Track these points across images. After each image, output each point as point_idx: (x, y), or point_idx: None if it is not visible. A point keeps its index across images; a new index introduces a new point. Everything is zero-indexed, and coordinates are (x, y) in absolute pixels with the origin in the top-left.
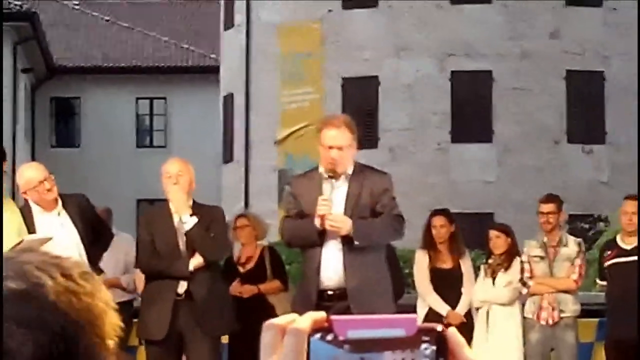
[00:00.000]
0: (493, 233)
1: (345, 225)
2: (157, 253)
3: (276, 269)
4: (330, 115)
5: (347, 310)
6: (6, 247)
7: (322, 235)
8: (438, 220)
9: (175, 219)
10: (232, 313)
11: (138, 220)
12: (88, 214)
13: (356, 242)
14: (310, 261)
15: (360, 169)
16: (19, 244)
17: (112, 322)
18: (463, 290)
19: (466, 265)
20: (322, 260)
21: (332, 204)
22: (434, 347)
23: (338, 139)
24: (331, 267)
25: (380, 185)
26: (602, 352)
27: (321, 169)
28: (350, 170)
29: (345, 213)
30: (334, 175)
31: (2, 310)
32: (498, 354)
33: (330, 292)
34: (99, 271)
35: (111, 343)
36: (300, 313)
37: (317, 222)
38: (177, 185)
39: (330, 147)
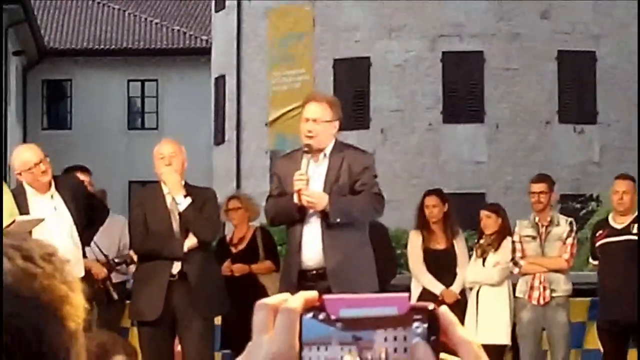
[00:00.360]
0: (484, 213)
1: (321, 200)
2: (150, 234)
3: (268, 250)
4: (315, 92)
5: (328, 290)
6: None
7: (302, 213)
8: (431, 200)
9: (168, 200)
10: (225, 294)
11: (130, 202)
12: (81, 194)
13: (332, 219)
14: (292, 240)
15: (341, 148)
16: (10, 225)
17: (76, 304)
18: (458, 270)
19: (460, 246)
20: (302, 239)
21: (310, 180)
22: (426, 325)
23: (316, 112)
24: (312, 246)
25: (360, 163)
26: (594, 331)
27: (303, 148)
28: (330, 149)
29: (325, 190)
30: (309, 149)
31: (2, 316)
32: (487, 334)
33: (312, 272)
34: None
35: (73, 325)
36: (285, 292)
37: (295, 198)
38: (171, 167)
39: (307, 120)
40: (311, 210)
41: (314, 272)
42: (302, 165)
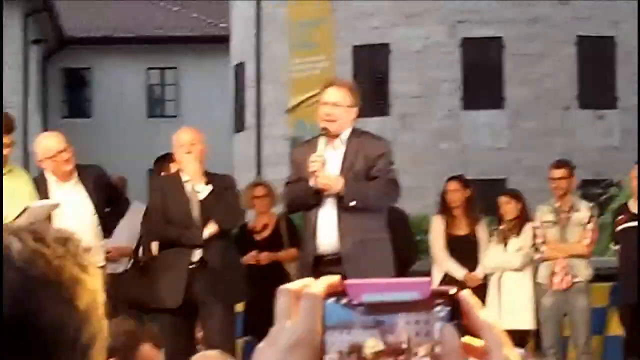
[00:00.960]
0: (503, 199)
1: (336, 183)
2: (169, 221)
3: (292, 237)
4: (335, 77)
5: (343, 276)
6: (12, 215)
7: (318, 198)
8: (452, 185)
9: (187, 188)
10: (245, 281)
11: (149, 189)
12: (103, 185)
13: (346, 201)
14: (308, 226)
15: (358, 134)
16: (23, 212)
17: (89, 287)
18: (480, 256)
19: (482, 232)
20: (318, 224)
21: (326, 164)
22: (448, 309)
23: (336, 96)
24: (327, 231)
25: (376, 150)
26: (616, 316)
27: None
28: (347, 135)
29: (341, 175)
30: (326, 132)
31: (2, 311)
32: (510, 319)
33: (328, 257)
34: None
35: (84, 306)
36: (302, 278)
37: (311, 181)
38: (191, 155)
39: (326, 103)
40: (327, 196)
41: (330, 257)
42: (319, 148)
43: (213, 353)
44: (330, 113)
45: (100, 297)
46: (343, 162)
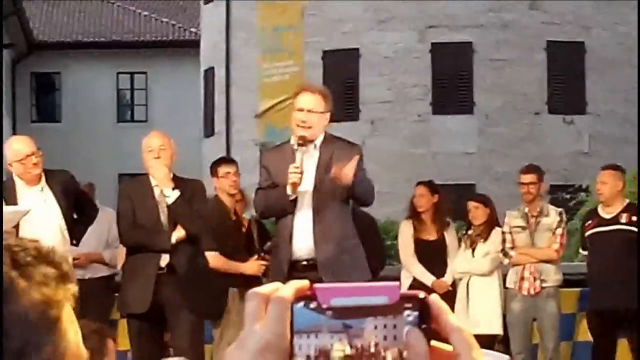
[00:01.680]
0: (472, 204)
1: (352, 171)
2: (138, 226)
3: (263, 242)
4: (307, 83)
5: (319, 281)
6: None
7: (294, 205)
8: (419, 190)
9: (156, 193)
10: (212, 286)
11: (118, 193)
12: (72, 190)
13: (356, 190)
14: (282, 232)
15: (330, 140)
16: None
17: (55, 292)
18: (449, 261)
19: (451, 237)
20: (293, 230)
21: (303, 172)
22: (417, 314)
23: (310, 102)
24: (303, 237)
25: (350, 155)
26: (584, 323)
27: (292, 141)
28: (320, 140)
29: (316, 181)
30: (303, 140)
31: (2, 304)
32: (478, 324)
33: (303, 263)
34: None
35: (55, 312)
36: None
37: (288, 190)
38: (159, 160)
39: (301, 110)
40: (302, 202)
41: (305, 262)
42: (296, 159)
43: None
44: (305, 120)
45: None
46: (317, 168)
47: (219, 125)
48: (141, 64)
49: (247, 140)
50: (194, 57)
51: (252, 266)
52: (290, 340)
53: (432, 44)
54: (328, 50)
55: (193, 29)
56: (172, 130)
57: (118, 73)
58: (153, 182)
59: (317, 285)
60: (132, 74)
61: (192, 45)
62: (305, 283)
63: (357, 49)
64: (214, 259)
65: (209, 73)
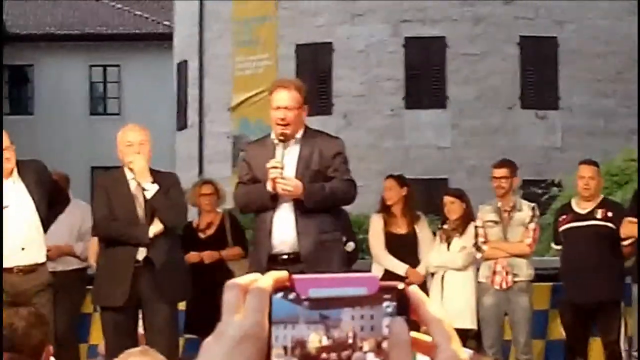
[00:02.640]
0: (448, 199)
1: (297, 188)
2: (114, 219)
3: (236, 236)
4: (282, 79)
5: (301, 274)
6: None
7: (274, 200)
8: (388, 183)
9: (132, 186)
10: (189, 279)
11: (93, 187)
12: (44, 180)
13: (307, 205)
14: (262, 226)
15: (311, 134)
16: None
17: None
18: (420, 254)
19: (422, 230)
20: (273, 224)
21: (284, 167)
22: (395, 304)
23: (287, 99)
24: (283, 231)
25: (331, 149)
26: (557, 320)
27: (273, 135)
28: (300, 134)
29: (297, 176)
30: (284, 137)
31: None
32: (453, 318)
33: (284, 256)
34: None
35: None
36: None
37: (269, 186)
38: (141, 154)
39: (279, 108)
40: (282, 196)
41: (285, 256)
42: (277, 154)
43: (136, 350)
44: (284, 117)
45: None
46: (298, 163)
47: (192, 117)
48: (114, 56)
49: (220, 133)
50: (167, 49)
51: None
52: (268, 331)
53: (406, 38)
54: (301, 44)
55: (166, 22)
56: (145, 123)
57: (91, 65)
58: (129, 175)
59: (295, 276)
60: (105, 66)
61: (165, 38)
62: (284, 274)
63: (331, 43)
64: None
65: (182, 66)
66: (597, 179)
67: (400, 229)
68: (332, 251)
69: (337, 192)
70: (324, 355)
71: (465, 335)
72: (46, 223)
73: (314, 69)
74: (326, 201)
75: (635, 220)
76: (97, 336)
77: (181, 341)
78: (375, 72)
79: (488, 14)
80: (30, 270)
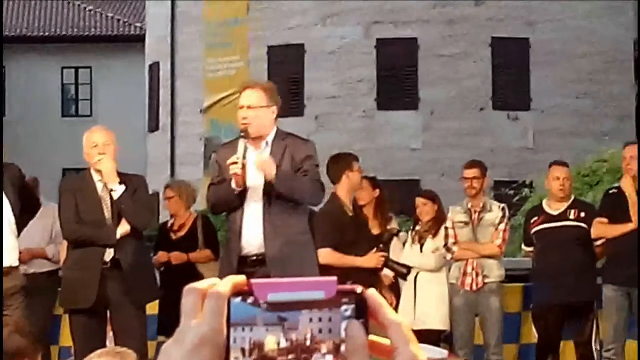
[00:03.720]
0: (420, 200)
1: (271, 169)
2: (82, 221)
3: (207, 238)
4: (250, 80)
5: (268, 276)
6: None
7: (241, 197)
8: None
9: (99, 187)
10: (156, 281)
11: (59, 189)
12: (19, 185)
13: (276, 187)
14: (232, 226)
15: (282, 136)
16: None
17: None
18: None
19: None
20: (243, 225)
21: (246, 164)
22: (354, 307)
23: (250, 98)
24: (252, 232)
25: (302, 152)
26: (529, 323)
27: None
28: (272, 137)
29: (266, 178)
30: (245, 135)
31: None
32: (425, 319)
33: (252, 258)
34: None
35: None
36: (222, 278)
37: (233, 183)
38: (106, 155)
39: (242, 107)
40: (251, 197)
41: (254, 258)
42: (238, 151)
43: (105, 350)
44: (245, 116)
45: None
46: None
47: (164, 119)
48: (86, 58)
49: (192, 135)
50: (139, 51)
51: (371, 259)
52: (226, 334)
53: (377, 39)
54: (273, 46)
55: (138, 24)
56: (116, 125)
57: (63, 67)
58: (95, 177)
59: (254, 280)
60: (76, 68)
61: (137, 40)
62: (242, 278)
63: (302, 45)
64: (328, 255)
65: (154, 68)
66: (571, 180)
67: (373, 229)
68: (302, 253)
69: (306, 187)
70: (281, 357)
71: (438, 337)
72: (20, 229)
73: (286, 71)
74: (294, 190)
75: (605, 220)
76: (68, 338)
77: (152, 345)
78: (348, 73)
79: (460, 15)
80: (4, 273)
